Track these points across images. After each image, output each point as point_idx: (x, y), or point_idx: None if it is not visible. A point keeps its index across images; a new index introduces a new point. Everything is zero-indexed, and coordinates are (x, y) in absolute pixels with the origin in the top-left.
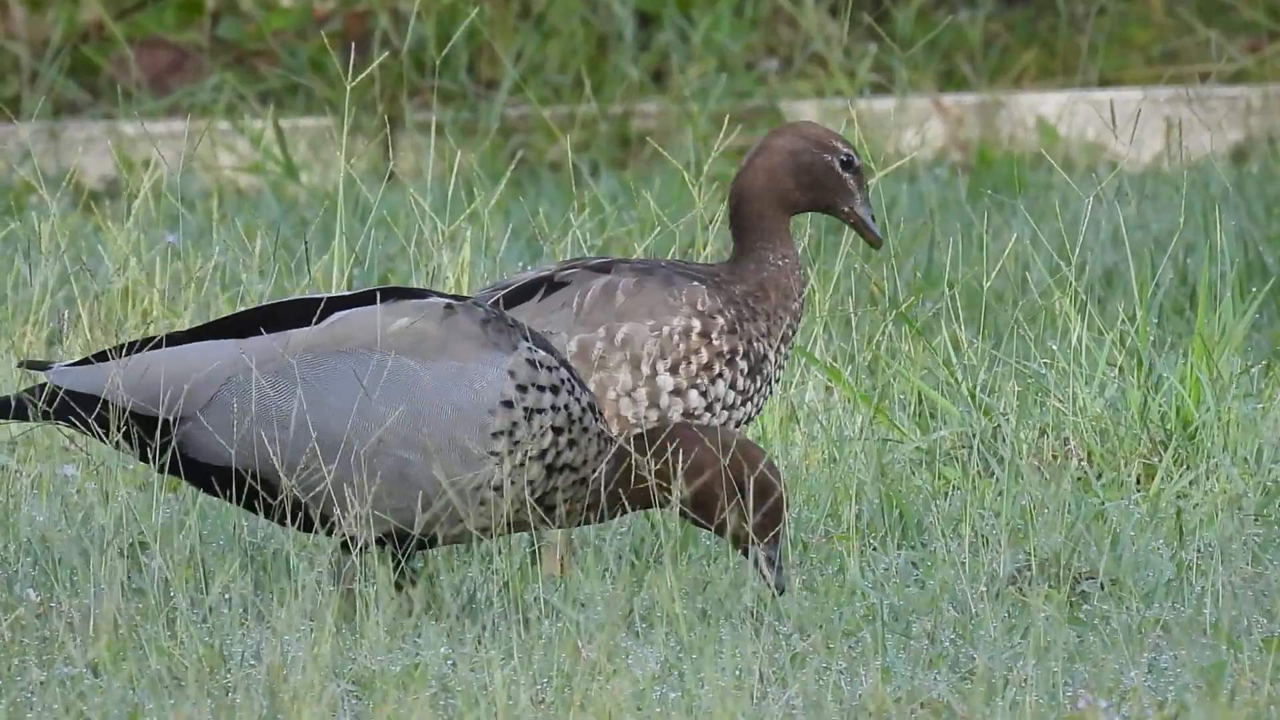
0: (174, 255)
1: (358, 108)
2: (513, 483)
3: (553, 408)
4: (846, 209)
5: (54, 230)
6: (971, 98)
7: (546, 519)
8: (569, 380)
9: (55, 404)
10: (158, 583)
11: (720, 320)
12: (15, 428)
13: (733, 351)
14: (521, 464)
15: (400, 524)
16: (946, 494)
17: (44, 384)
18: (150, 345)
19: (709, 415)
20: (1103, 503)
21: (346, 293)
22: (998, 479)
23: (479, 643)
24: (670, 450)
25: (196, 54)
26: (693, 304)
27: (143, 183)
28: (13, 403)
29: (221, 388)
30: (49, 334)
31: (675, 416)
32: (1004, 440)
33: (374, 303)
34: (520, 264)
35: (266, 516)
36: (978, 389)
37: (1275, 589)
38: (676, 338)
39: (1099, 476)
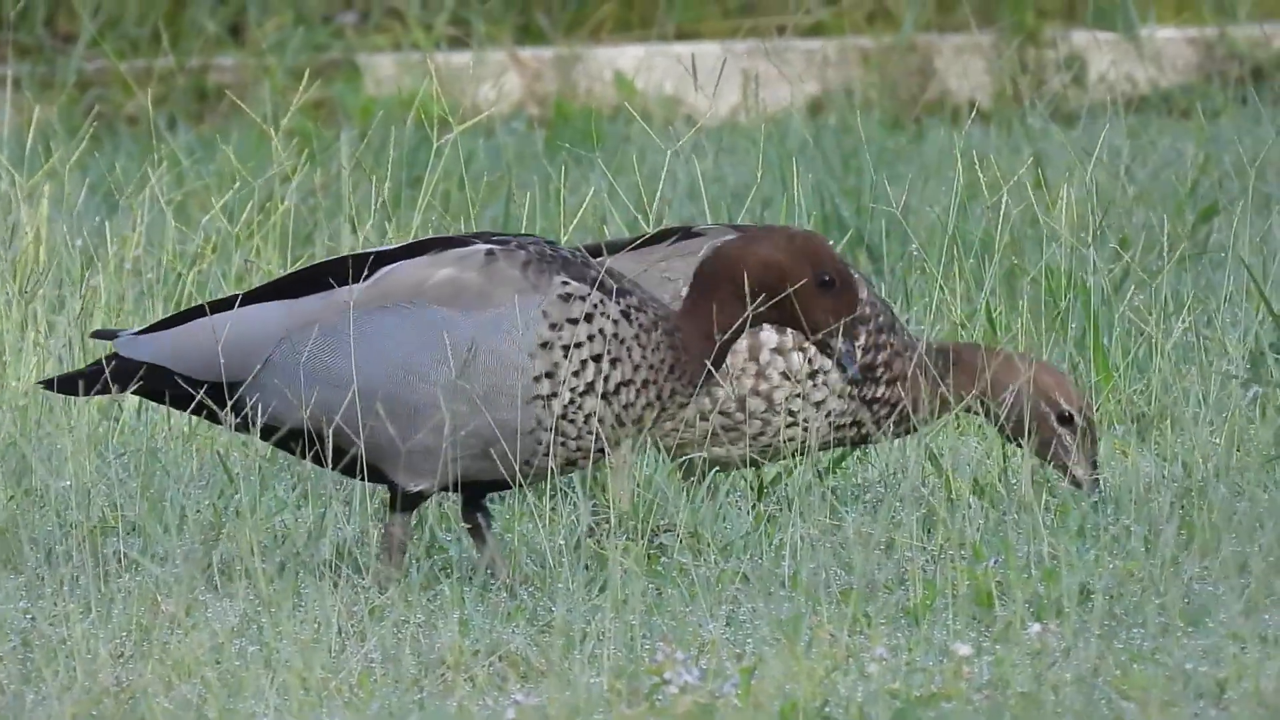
0: None
1: None
2: (571, 420)
3: (589, 337)
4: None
5: None
6: (549, 51)
7: (637, 434)
8: (601, 300)
9: (124, 374)
10: None
11: None
12: None
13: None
14: (573, 401)
15: (462, 474)
16: None
17: (113, 354)
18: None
19: (810, 384)
20: None
21: (394, 246)
22: None
23: (57, 596)
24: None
25: None
26: None
27: None
28: (83, 378)
29: (275, 349)
30: None
31: (775, 376)
32: None
33: (420, 255)
34: (98, 218)
35: (341, 471)
36: None
37: (853, 541)
38: None
39: None
